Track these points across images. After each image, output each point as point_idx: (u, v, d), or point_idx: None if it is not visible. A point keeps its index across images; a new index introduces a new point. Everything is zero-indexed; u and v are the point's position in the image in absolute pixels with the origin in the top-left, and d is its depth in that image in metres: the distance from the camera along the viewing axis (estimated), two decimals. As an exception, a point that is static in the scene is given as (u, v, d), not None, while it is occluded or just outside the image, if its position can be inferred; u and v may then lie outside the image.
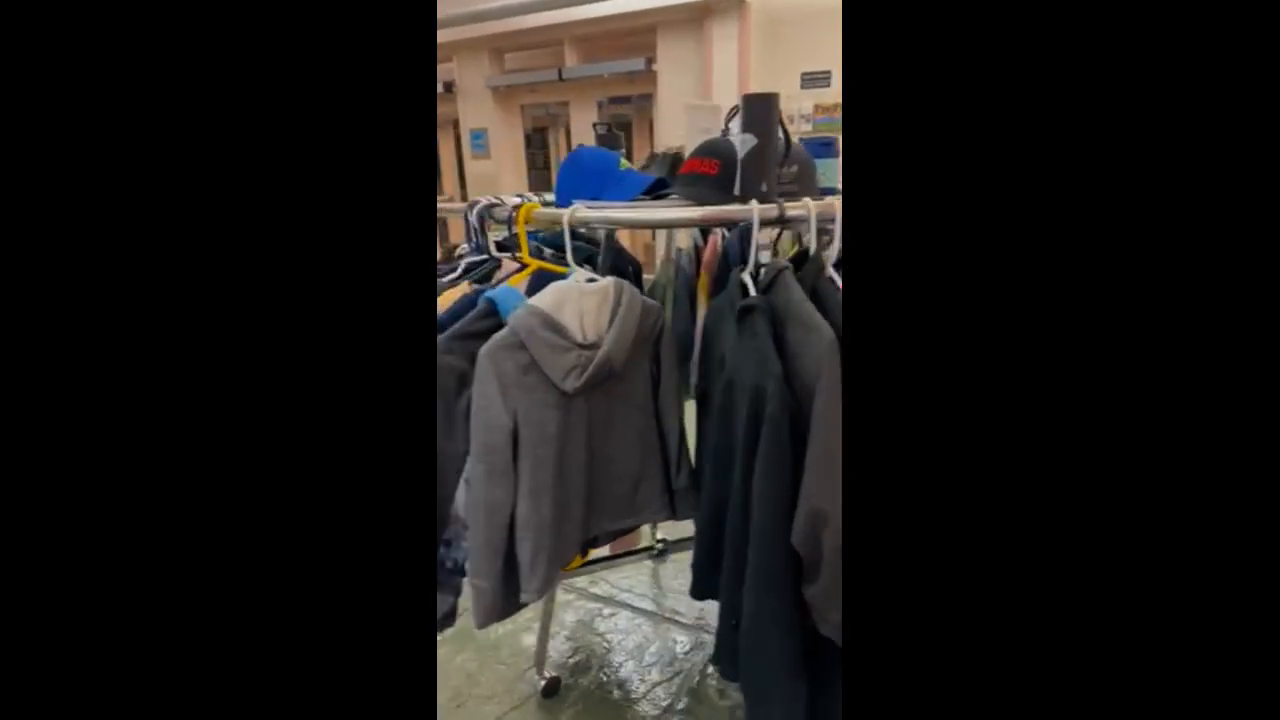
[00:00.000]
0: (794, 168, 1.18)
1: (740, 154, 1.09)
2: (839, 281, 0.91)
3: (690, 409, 1.18)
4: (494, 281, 1.15)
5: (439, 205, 1.25)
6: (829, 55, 3.57)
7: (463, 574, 1.09)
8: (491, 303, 1.00)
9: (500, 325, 0.99)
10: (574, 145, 4.94)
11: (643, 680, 1.57)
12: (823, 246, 0.98)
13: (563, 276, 1.05)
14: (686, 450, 1.17)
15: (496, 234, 1.15)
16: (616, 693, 1.54)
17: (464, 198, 5.28)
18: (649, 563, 1.99)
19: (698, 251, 1.65)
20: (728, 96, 3.67)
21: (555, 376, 0.96)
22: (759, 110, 1.08)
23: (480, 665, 1.61)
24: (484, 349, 0.93)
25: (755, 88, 3.42)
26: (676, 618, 1.78)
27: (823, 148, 1.33)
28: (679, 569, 1.97)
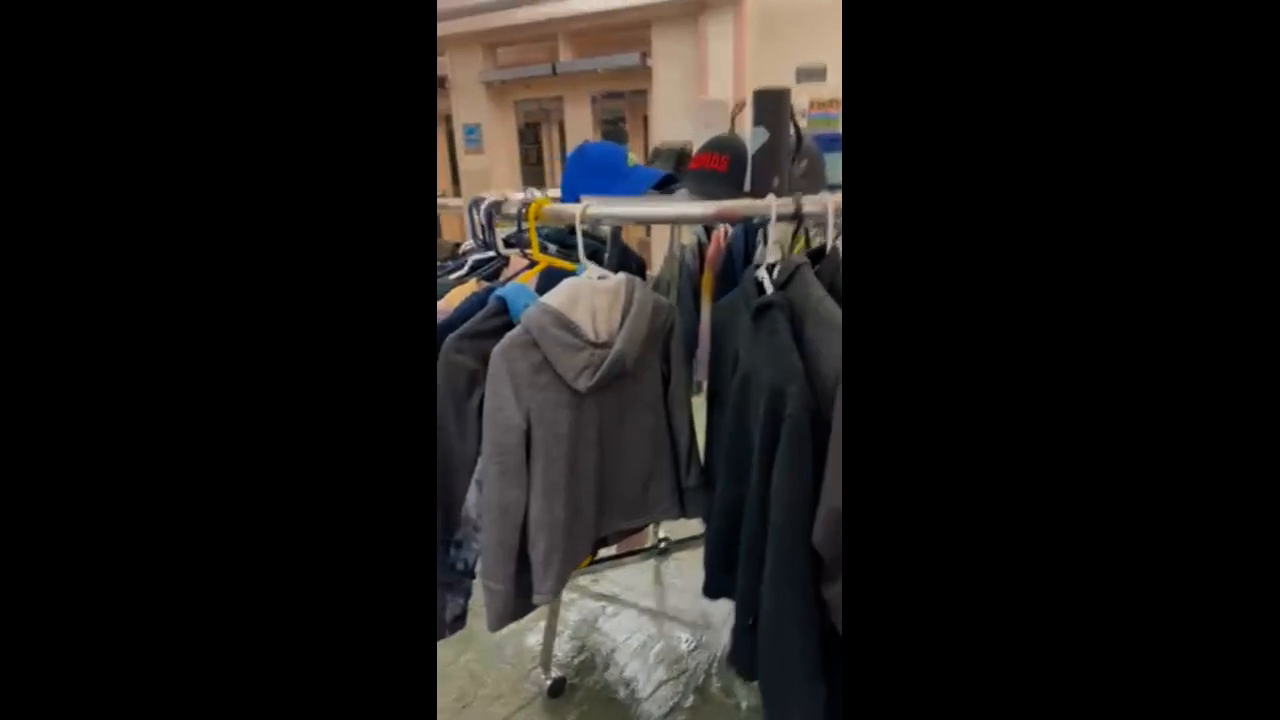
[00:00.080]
0: (803, 163, 1.17)
1: (751, 149, 1.08)
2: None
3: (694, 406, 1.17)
4: (502, 279, 1.13)
5: (435, 202, 1.23)
6: (825, 50, 3.56)
7: (473, 576, 1.07)
8: (502, 301, 0.98)
9: (510, 324, 0.97)
10: (568, 141, 4.91)
11: (648, 679, 1.56)
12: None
13: (571, 273, 1.04)
14: (696, 448, 1.16)
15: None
16: (622, 692, 1.53)
17: (457, 193, 5.25)
18: (651, 561, 1.98)
19: (701, 248, 1.64)
20: (723, 92, 3.66)
21: (568, 376, 0.95)
22: (771, 105, 1.07)
23: (484, 666, 1.60)
24: (497, 348, 0.92)
25: (751, 83, 3.41)
26: (680, 616, 1.78)
27: (831, 142, 1.32)
28: (681, 567, 1.96)
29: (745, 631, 0.94)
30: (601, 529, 1.10)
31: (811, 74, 3.49)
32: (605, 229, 1.42)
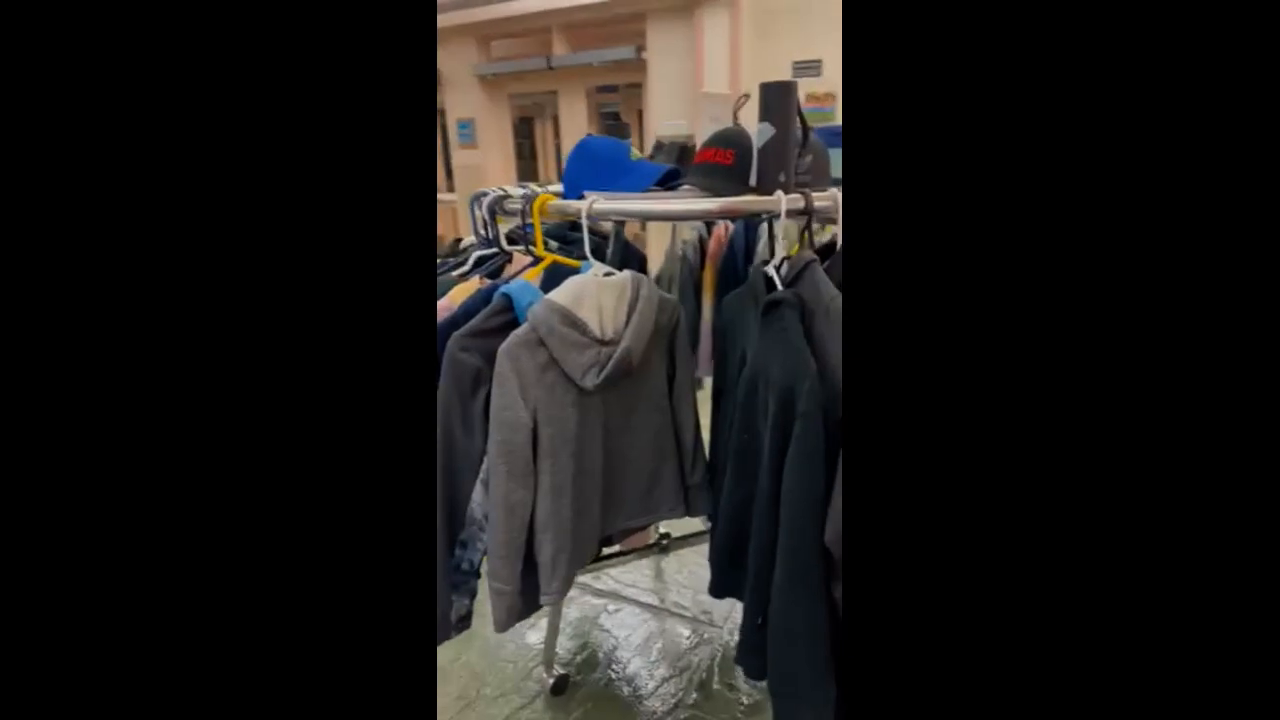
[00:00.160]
0: (808, 157, 1.16)
1: (757, 144, 1.07)
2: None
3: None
4: (505, 275, 1.12)
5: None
6: (820, 44, 3.55)
7: (478, 576, 1.06)
8: (507, 298, 0.97)
9: (515, 321, 0.96)
10: (562, 135, 4.88)
11: (650, 676, 1.56)
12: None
13: (575, 270, 1.02)
14: (701, 446, 1.15)
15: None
16: (625, 689, 1.53)
17: (450, 188, 5.21)
18: (653, 558, 1.98)
19: (701, 244, 1.63)
20: (719, 86, 3.64)
21: (574, 374, 0.94)
22: (777, 99, 1.05)
23: (486, 664, 1.59)
24: (503, 347, 0.90)
25: (746, 76, 3.40)
26: (682, 612, 1.77)
27: (835, 137, 1.31)
28: (683, 563, 1.96)
29: (754, 630, 0.94)
30: (607, 528, 1.09)
31: (807, 68, 3.48)
32: (606, 225, 1.41)
